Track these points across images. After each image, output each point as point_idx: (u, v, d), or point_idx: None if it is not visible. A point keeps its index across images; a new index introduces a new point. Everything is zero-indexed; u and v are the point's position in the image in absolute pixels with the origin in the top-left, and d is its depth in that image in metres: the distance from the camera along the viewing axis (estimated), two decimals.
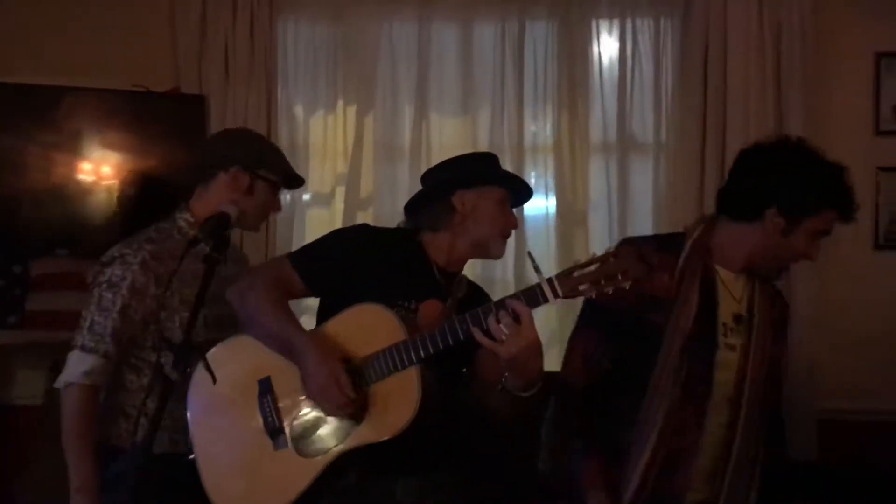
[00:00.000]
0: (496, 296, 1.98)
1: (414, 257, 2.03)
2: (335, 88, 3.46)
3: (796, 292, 3.11)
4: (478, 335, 1.76)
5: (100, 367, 2.04)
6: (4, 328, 3.18)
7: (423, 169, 3.37)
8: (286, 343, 1.87)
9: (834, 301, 3.27)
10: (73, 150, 3.18)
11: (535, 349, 1.77)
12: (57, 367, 2.09)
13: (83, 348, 2.04)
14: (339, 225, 3.36)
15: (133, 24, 3.46)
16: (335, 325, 1.90)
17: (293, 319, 1.92)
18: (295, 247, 2.65)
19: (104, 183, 3.24)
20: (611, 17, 3.41)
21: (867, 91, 3.32)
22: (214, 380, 1.80)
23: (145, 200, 3.14)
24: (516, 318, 1.73)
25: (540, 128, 3.46)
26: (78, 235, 3.17)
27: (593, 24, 3.41)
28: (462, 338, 1.79)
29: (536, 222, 3.43)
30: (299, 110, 3.51)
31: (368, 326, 1.87)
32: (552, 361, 3.30)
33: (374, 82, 3.45)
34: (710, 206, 3.19)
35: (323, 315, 1.98)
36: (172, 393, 1.77)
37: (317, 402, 1.85)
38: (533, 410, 1.90)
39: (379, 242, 2.04)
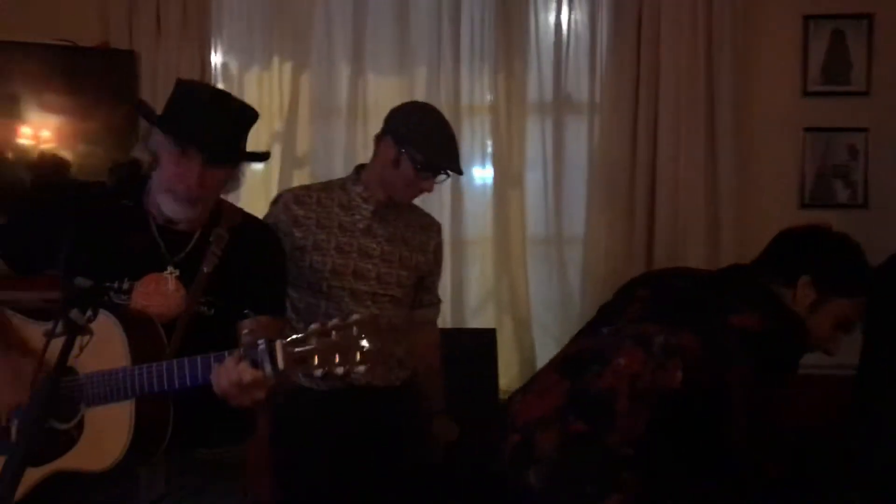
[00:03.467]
0: None
1: (128, 217, 1.66)
2: (270, 45, 3.41)
3: (721, 250, 3.19)
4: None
5: None
6: None
7: (360, 128, 3.40)
8: None
9: None
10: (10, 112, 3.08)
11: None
12: None
13: None
14: (274, 184, 3.33)
15: None
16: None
17: None
18: None
19: (44, 147, 3.14)
20: None
21: (795, 53, 3.38)
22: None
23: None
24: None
25: (477, 88, 3.45)
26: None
27: None
28: (189, 385, 1.54)
29: (472, 183, 3.44)
30: (234, 67, 3.45)
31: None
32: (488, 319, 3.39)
33: (310, 40, 3.40)
34: (641, 165, 3.26)
35: None
36: None
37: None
38: None
39: (82, 203, 1.65)
